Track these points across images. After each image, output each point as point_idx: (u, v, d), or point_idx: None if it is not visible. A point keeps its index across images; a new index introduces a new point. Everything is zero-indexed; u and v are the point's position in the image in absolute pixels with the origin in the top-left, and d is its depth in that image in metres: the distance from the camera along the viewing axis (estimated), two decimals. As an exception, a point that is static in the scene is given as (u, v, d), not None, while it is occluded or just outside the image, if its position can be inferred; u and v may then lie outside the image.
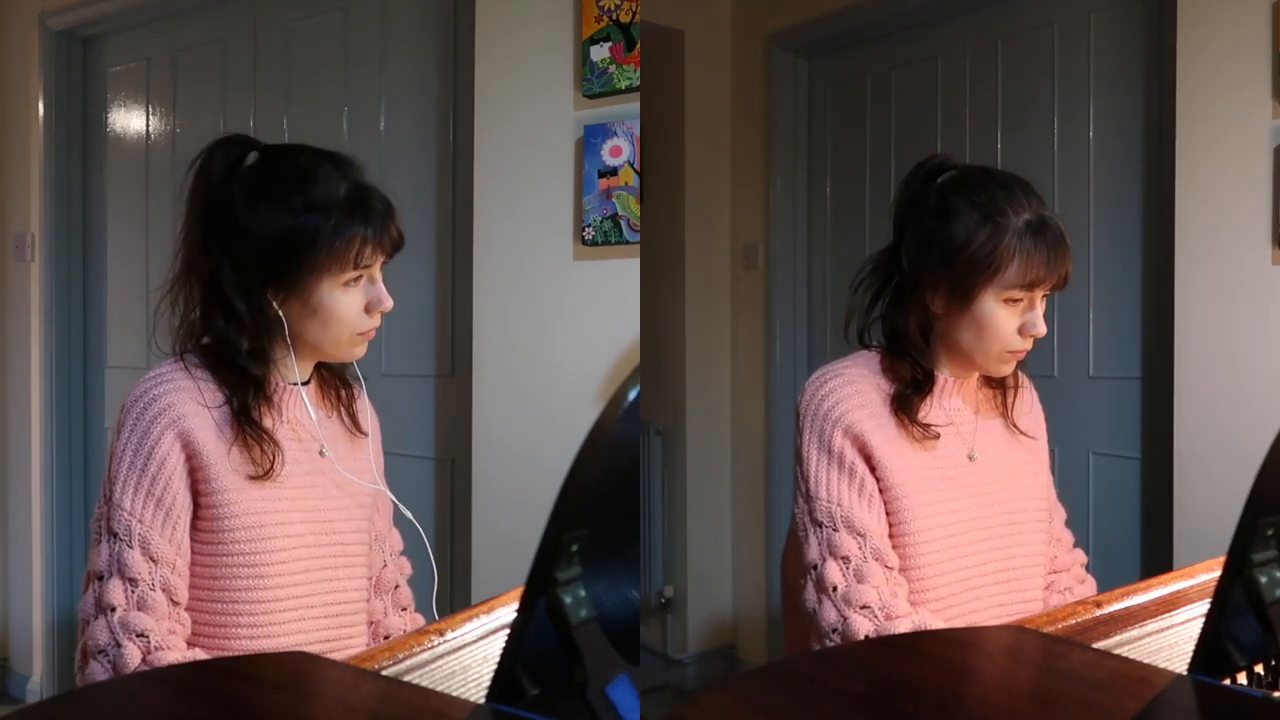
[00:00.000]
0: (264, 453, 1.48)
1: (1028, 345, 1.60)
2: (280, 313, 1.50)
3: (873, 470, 1.57)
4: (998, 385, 1.72)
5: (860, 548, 1.54)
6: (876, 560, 1.54)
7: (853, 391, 1.60)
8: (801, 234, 3.44)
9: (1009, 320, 1.57)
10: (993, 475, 1.66)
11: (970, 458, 1.64)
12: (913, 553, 1.57)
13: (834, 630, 1.51)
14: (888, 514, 1.57)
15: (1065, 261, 1.56)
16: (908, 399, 1.61)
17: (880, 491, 1.57)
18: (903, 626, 1.49)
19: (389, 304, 1.52)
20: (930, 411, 1.63)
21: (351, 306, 1.50)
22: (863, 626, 1.49)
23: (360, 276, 1.50)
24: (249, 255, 1.48)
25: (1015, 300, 1.56)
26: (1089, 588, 1.78)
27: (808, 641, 1.57)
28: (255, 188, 1.50)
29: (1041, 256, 1.54)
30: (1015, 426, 1.71)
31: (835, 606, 1.52)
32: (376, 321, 1.53)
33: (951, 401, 1.65)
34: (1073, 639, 1.26)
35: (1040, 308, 1.58)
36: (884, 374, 1.63)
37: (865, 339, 1.68)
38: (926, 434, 1.61)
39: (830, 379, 1.62)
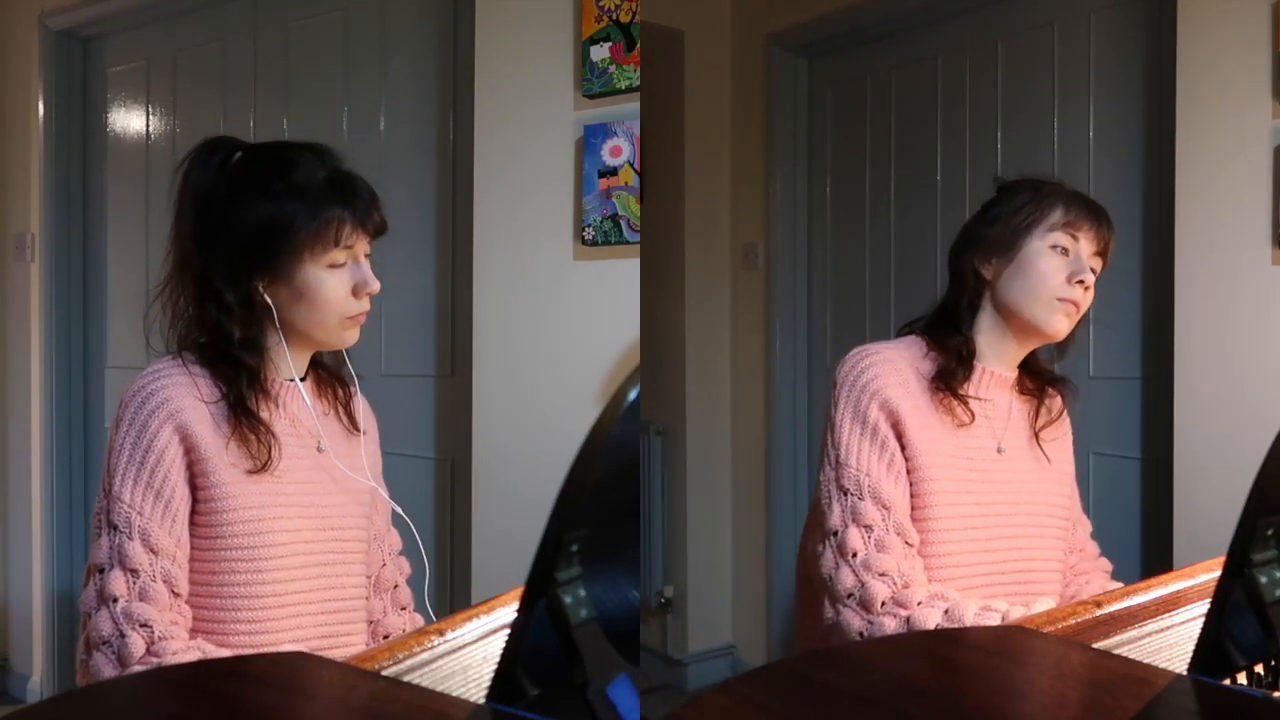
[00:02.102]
0: (260, 444, 1.48)
1: (1076, 295, 1.62)
2: (268, 299, 1.51)
3: (903, 449, 1.59)
4: (1036, 392, 1.73)
5: (884, 519, 1.55)
6: (898, 534, 1.55)
7: (891, 369, 1.63)
8: (801, 234, 3.44)
9: (1055, 263, 1.62)
10: (1019, 473, 1.67)
11: (999, 450, 1.66)
12: (933, 539, 1.58)
13: (850, 595, 1.52)
14: (912, 495, 1.59)
15: (1107, 219, 1.66)
16: (951, 374, 1.63)
17: (908, 471, 1.59)
18: (919, 595, 1.50)
19: (375, 286, 1.52)
20: (967, 396, 1.65)
21: (337, 289, 1.51)
22: (880, 592, 1.50)
23: (344, 260, 1.51)
24: (236, 245, 1.49)
25: (1062, 250, 1.62)
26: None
27: (821, 632, 1.57)
28: (240, 181, 1.52)
29: (1082, 202, 1.65)
30: (1038, 443, 1.72)
31: (854, 571, 1.53)
32: (365, 306, 1.54)
33: (988, 393, 1.67)
34: (1073, 639, 1.26)
35: (1088, 265, 1.63)
36: (925, 358, 1.66)
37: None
38: (963, 411, 1.62)
39: (871, 354, 1.65)
